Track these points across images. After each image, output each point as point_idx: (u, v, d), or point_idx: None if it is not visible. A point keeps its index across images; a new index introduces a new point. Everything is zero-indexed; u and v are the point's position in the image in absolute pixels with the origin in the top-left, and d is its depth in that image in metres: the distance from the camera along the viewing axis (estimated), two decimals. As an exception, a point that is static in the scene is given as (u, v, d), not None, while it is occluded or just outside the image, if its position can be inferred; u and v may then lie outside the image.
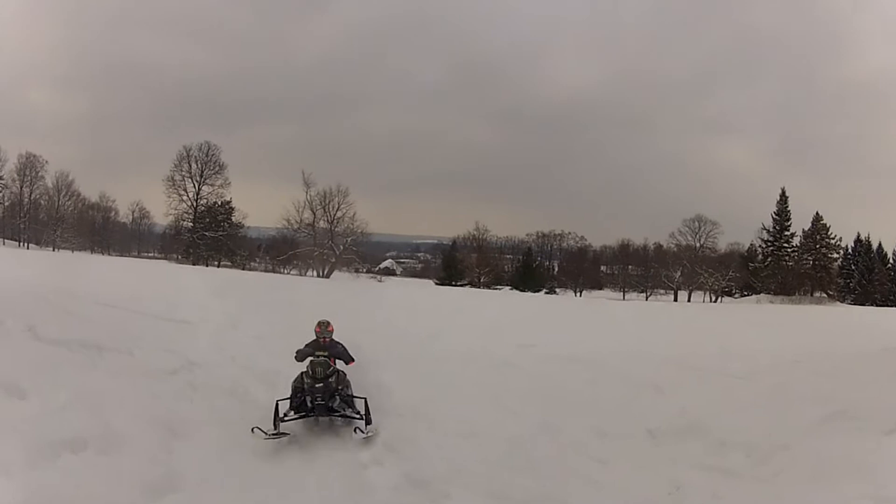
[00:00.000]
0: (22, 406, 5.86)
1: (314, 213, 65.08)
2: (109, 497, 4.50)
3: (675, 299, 65.89)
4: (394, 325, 16.74)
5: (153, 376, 7.49)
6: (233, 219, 64.77)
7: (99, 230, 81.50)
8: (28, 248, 70.02)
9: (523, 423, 7.36)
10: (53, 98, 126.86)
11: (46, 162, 73.99)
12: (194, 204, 63.29)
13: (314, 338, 9.65)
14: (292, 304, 23.74)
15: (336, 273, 63.82)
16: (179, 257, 64.08)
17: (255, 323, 16.82)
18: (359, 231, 65.87)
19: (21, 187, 74.09)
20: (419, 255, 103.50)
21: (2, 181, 73.79)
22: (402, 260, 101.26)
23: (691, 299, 66.05)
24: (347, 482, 5.78)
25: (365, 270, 68.95)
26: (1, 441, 5.04)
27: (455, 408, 7.78)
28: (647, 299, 64.59)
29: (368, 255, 72.27)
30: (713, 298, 66.01)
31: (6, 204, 76.31)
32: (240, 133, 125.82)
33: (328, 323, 9.89)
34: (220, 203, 63.75)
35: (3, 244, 66.48)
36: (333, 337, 9.73)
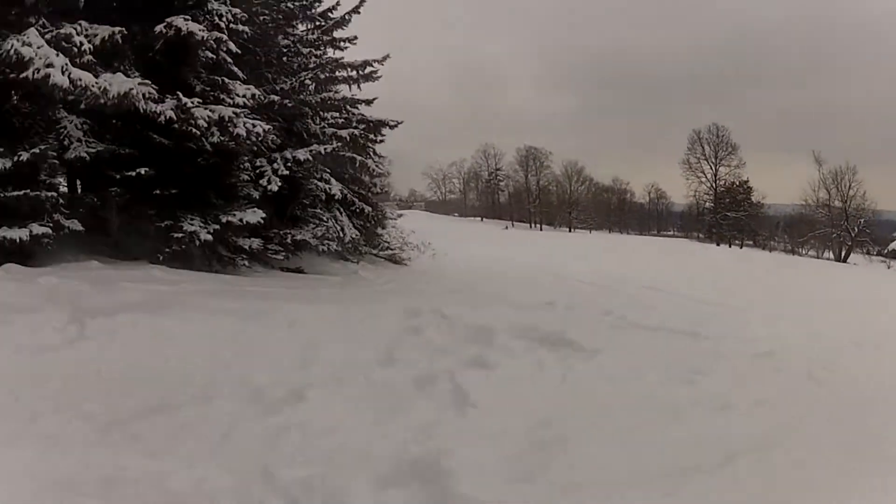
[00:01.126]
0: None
1: (829, 193, 61.20)
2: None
3: None
4: None
5: (748, 359, 9.34)
6: (752, 198, 64.69)
7: (615, 210, 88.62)
8: (541, 228, 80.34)
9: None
10: (541, 98, 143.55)
11: (550, 153, 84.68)
12: (713, 185, 64.74)
13: None
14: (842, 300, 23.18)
15: (851, 256, 58.97)
16: (701, 236, 66.37)
17: (800, 316, 17.15)
18: (869, 210, 59.53)
19: (526, 176, 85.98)
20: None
21: (501, 171, 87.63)
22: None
23: None
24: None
25: (875, 253, 61.13)
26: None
27: None
28: None
29: (879, 238, 63.78)
30: None
31: (510, 191, 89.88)
32: (736, 104, 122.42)
33: None
34: (737, 183, 64.04)
35: (514, 225, 77.62)
36: None
